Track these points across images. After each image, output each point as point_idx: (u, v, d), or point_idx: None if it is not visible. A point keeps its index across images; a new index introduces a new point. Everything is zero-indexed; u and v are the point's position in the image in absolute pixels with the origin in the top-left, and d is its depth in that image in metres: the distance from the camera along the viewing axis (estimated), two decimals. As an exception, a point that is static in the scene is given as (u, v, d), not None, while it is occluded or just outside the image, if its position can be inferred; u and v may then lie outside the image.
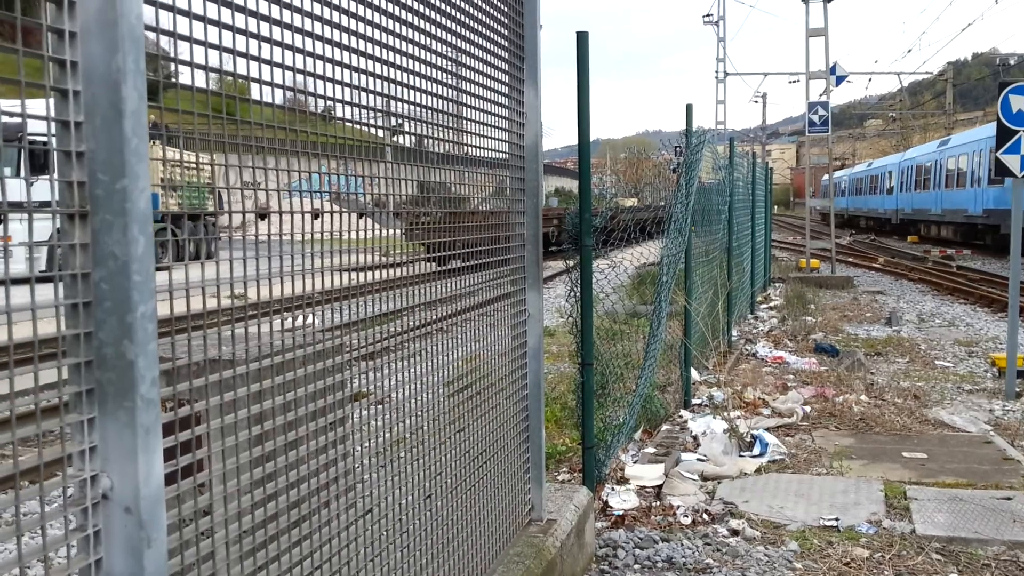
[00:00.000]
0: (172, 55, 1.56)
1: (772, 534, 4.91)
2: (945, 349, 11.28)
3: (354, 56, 2.19)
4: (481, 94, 3.26)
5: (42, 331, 1.30)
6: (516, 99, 3.65)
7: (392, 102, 2.45)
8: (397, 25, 2.45)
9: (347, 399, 2.24)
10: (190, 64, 1.60)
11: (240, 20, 1.74)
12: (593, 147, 4.71)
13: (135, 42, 1.37)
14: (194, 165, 1.97)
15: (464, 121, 3.12)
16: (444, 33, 2.84)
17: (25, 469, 1.27)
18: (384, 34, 2.36)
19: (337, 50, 2.11)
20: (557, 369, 9.22)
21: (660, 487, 5.64)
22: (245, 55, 1.75)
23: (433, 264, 2.90)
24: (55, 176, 1.33)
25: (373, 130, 2.39)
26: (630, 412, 6.05)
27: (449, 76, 2.90)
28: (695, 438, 6.72)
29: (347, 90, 2.18)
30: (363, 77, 2.24)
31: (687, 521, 5.11)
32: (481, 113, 3.27)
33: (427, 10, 2.67)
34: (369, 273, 2.44)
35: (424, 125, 2.74)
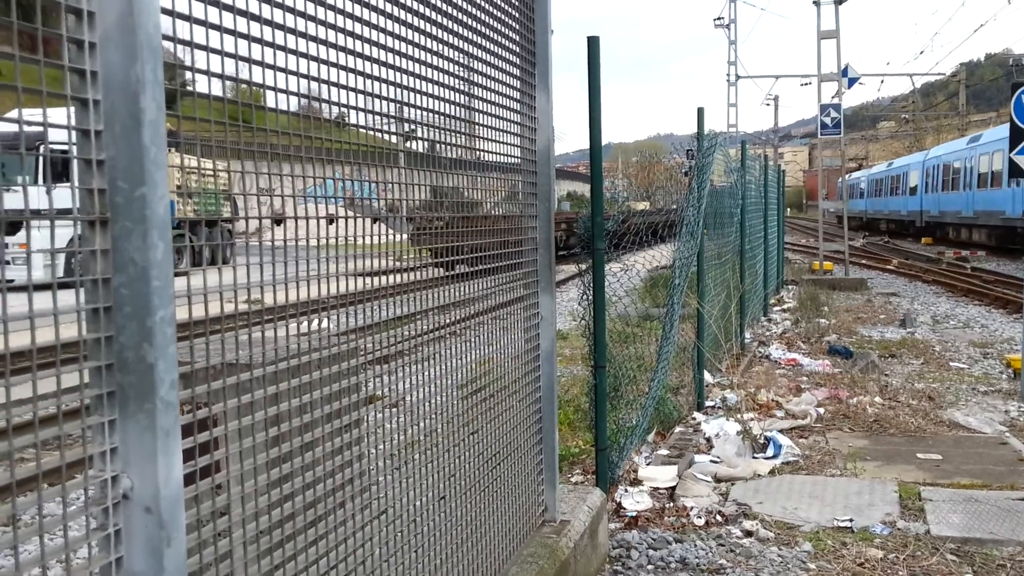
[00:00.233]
0: (188, 63, 1.59)
1: (786, 535, 4.91)
2: (960, 350, 11.23)
3: (368, 63, 2.22)
4: (493, 99, 3.28)
5: (63, 336, 1.33)
6: (528, 104, 3.67)
7: (406, 108, 2.48)
8: (410, 32, 2.48)
9: (362, 402, 2.27)
10: (206, 73, 1.63)
11: (254, 29, 1.77)
12: (605, 151, 4.73)
13: (153, 52, 1.40)
14: (210, 172, 2.00)
15: (477, 127, 3.14)
16: (457, 40, 2.86)
17: (47, 471, 1.30)
18: (397, 41, 2.39)
19: (351, 57, 2.14)
20: (570, 372, 9.24)
21: (673, 488, 5.65)
22: (260, 63, 1.78)
23: (450, 267, 2.93)
24: (75, 184, 1.36)
25: (387, 136, 2.42)
26: (643, 414, 6.06)
27: (462, 82, 2.93)
28: (708, 440, 6.72)
29: (360, 96, 2.21)
30: (377, 84, 2.26)
31: (700, 522, 5.11)
32: (493, 119, 3.29)
33: (439, 17, 2.69)
34: (383, 277, 2.47)
35: (437, 131, 2.77)
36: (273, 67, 1.82)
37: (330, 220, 2.05)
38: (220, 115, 1.67)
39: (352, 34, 2.15)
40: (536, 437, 3.88)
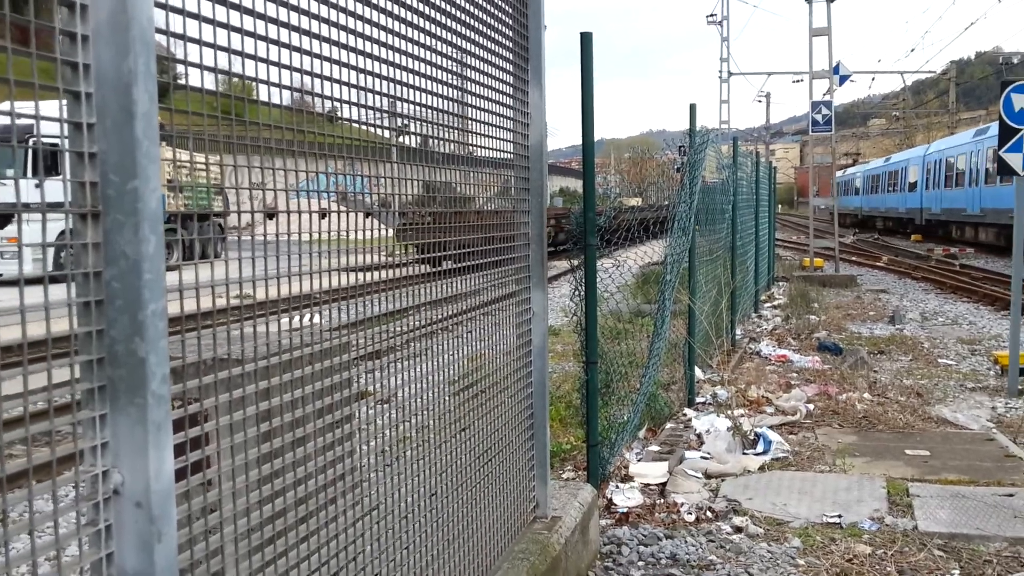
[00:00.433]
0: (179, 57, 1.58)
1: (775, 531, 4.93)
2: (948, 347, 11.28)
3: (360, 57, 2.21)
4: (486, 95, 3.28)
5: (53, 330, 1.32)
6: (521, 99, 3.67)
7: (398, 103, 2.47)
8: (403, 26, 2.47)
9: (353, 398, 2.26)
10: (198, 66, 1.62)
11: (247, 22, 1.76)
12: (597, 147, 4.73)
13: (146, 45, 1.39)
14: (201, 166, 1.99)
15: (469, 121, 3.13)
16: (449, 34, 2.86)
17: (38, 465, 1.30)
18: (390, 35, 2.38)
19: (343, 51, 2.13)
20: (562, 368, 9.24)
21: (664, 485, 5.66)
22: (253, 56, 1.77)
23: (439, 263, 2.92)
24: (67, 176, 1.35)
25: (379, 131, 2.41)
26: (634, 410, 6.07)
27: (455, 77, 2.92)
28: (699, 436, 6.74)
29: (352, 91, 2.20)
30: (369, 78, 2.26)
31: (691, 518, 5.13)
32: (486, 113, 3.29)
33: (432, 11, 2.69)
34: (375, 272, 2.47)
35: (429, 126, 2.76)
36: (265, 60, 1.81)
37: (323, 214, 2.04)
38: (211, 109, 1.67)
39: (344, 28, 2.14)
40: (528, 433, 3.88)
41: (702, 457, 6.22)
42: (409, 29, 2.53)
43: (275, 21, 1.84)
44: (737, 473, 5.94)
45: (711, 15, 46.81)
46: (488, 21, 3.25)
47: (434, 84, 2.74)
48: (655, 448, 6.36)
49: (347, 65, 2.17)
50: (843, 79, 23.90)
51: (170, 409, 1.42)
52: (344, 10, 2.14)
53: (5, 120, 1.30)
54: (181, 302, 1.54)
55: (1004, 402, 8.05)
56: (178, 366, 1.54)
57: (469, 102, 3.11)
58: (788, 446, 6.52)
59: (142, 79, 1.37)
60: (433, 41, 2.71)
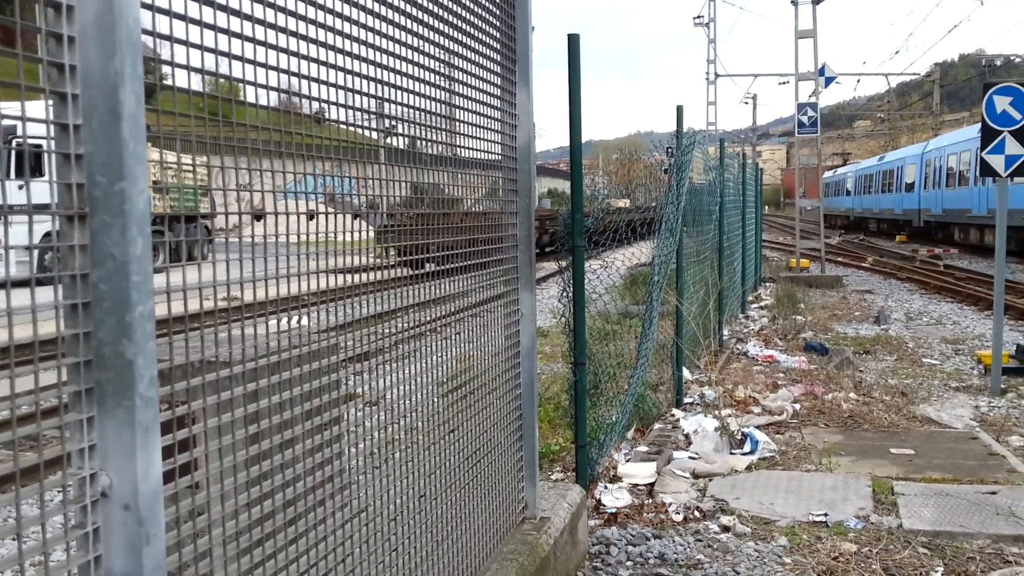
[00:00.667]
0: (167, 58, 1.58)
1: (762, 530, 4.95)
2: (932, 347, 11.35)
3: (347, 59, 2.21)
4: (474, 96, 3.28)
5: (40, 332, 1.32)
6: (508, 101, 3.67)
7: (385, 104, 2.47)
8: (390, 28, 2.47)
9: (341, 400, 2.26)
10: (186, 67, 1.62)
11: (234, 24, 1.76)
12: (585, 148, 4.74)
13: (132, 46, 1.39)
14: (187, 167, 1.99)
15: (457, 123, 3.14)
16: (438, 36, 2.86)
17: (25, 468, 1.29)
18: (377, 37, 2.38)
19: (330, 52, 2.13)
20: (551, 369, 9.25)
21: (652, 485, 5.68)
22: (240, 58, 1.77)
23: (427, 265, 2.92)
24: (53, 178, 1.35)
25: (367, 132, 2.41)
26: (622, 411, 6.08)
27: (442, 78, 2.92)
28: (687, 436, 6.76)
29: (339, 92, 2.20)
30: (357, 80, 2.26)
31: (679, 518, 5.14)
32: (474, 115, 3.29)
33: (421, 13, 2.69)
34: (364, 274, 2.47)
35: (418, 127, 2.76)
36: (252, 61, 1.81)
37: (311, 216, 2.04)
38: (198, 110, 1.66)
39: (332, 29, 2.14)
40: (516, 434, 3.89)
41: (690, 457, 6.24)
42: (397, 31, 2.53)
43: (261, 22, 1.83)
44: (725, 473, 5.96)
45: (698, 17, 46.94)
46: (476, 23, 3.26)
47: (423, 86, 2.74)
48: (643, 448, 6.38)
49: (335, 66, 2.17)
50: (828, 81, 24.02)
51: (158, 411, 1.42)
52: (332, 11, 2.14)
53: None
54: (169, 304, 1.54)
55: (987, 401, 8.11)
56: (165, 368, 1.53)
57: (458, 104, 3.12)
58: (775, 446, 6.55)
59: (129, 80, 1.37)
60: (422, 43, 2.72)
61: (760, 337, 11.98)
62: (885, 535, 4.78)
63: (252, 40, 1.81)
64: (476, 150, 3.36)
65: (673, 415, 7.46)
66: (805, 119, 22.29)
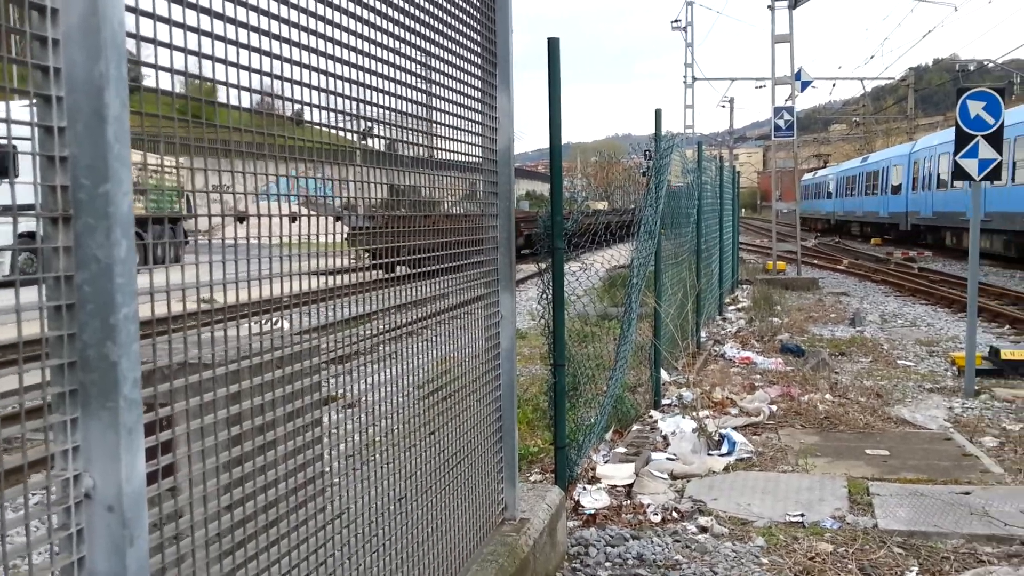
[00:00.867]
0: (146, 60, 1.58)
1: (740, 530, 4.99)
2: (907, 348, 11.48)
3: (329, 61, 2.22)
4: (455, 99, 3.29)
5: (23, 333, 1.32)
6: (489, 104, 3.69)
7: (367, 107, 2.48)
8: (373, 32, 2.48)
9: (320, 402, 2.27)
10: (169, 70, 1.62)
11: (217, 26, 1.76)
12: (564, 151, 4.76)
13: (117, 48, 1.39)
14: (167, 168, 1.99)
15: (438, 126, 3.15)
16: (420, 40, 2.87)
17: (8, 469, 1.29)
18: (359, 40, 2.39)
19: (312, 55, 2.14)
20: (528, 371, 9.27)
21: (631, 486, 5.71)
22: (223, 61, 1.77)
23: (405, 267, 2.93)
24: (37, 180, 1.35)
25: (349, 135, 2.42)
26: (601, 413, 6.11)
27: (425, 82, 2.94)
28: (665, 438, 6.80)
29: (321, 95, 2.21)
30: (339, 83, 2.27)
31: (657, 519, 5.18)
32: (455, 118, 3.31)
33: (403, 17, 2.70)
34: (343, 276, 2.47)
35: (400, 130, 2.77)
36: (236, 65, 1.81)
37: (293, 218, 2.05)
38: (174, 111, 1.66)
39: (313, 32, 2.15)
40: (496, 436, 3.90)
41: (668, 458, 6.28)
42: (379, 34, 2.54)
43: (239, 23, 1.83)
44: (702, 474, 6.00)
45: (676, 21, 47.17)
46: (458, 27, 3.27)
47: (406, 90, 2.75)
48: (622, 450, 6.41)
49: (316, 69, 2.18)
50: (805, 85, 24.24)
51: (142, 413, 1.42)
52: (314, 14, 2.15)
53: None
54: (152, 306, 1.54)
55: (961, 402, 8.21)
56: (147, 370, 1.54)
57: (439, 107, 3.13)
58: (752, 447, 6.60)
59: (114, 83, 1.38)
60: (404, 47, 2.73)
61: (737, 339, 12.07)
62: (861, 535, 4.84)
63: (236, 44, 1.81)
64: (457, 152, 3.38)
65: (651, 416, 7.50)
66: (782, 123, 22.47)
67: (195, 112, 1.71)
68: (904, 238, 34.91)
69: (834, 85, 62.00)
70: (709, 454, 6.47)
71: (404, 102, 2.79)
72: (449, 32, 3.19)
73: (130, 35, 1.45)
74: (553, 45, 4.52)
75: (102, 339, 1.38)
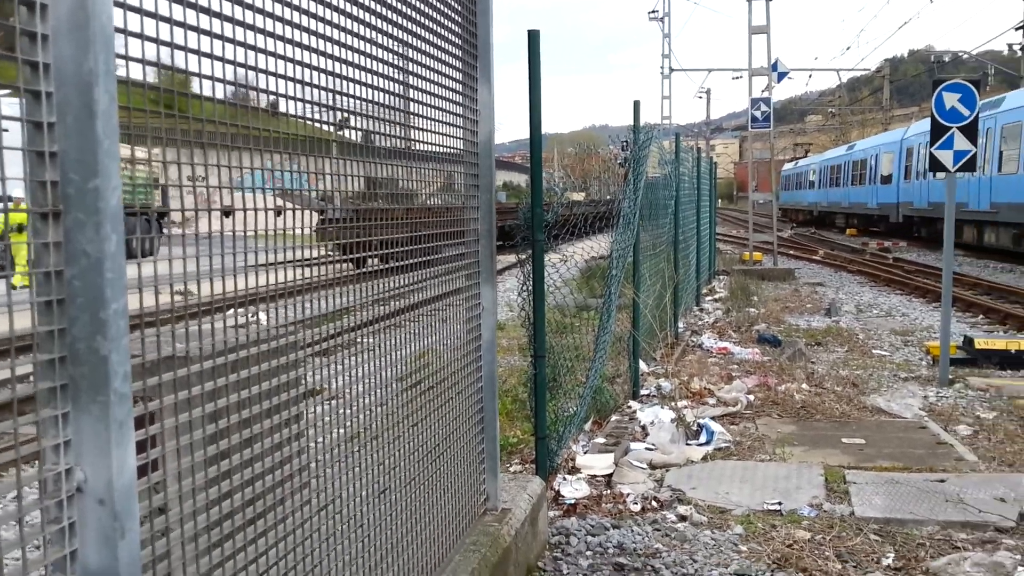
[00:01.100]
0: (119, 51, 1.57)
1: (718, 519, 5.05)
2: (882, 338, 11.62)
3: (316, 56, 2.23)
4: (437, 92, 3.30)
5: (10, 327, 1.32)
6: (470, 96, 3.70)
7: (350, 100, 2.49)
8: (354, 24, 2.49)
9: (302, 395, 2.28)
10: (149, 63, 1.63)
11: (190, 16, 1.76)
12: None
13: (106, 43, 1.40)
14: (145, 161, 1.98)
15: (420, 119, 3.16)
16: (403, 33, 2.88)
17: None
18: (340, 32, 2.40)
19: (300, 50, 2.14)
20: (507, 363, 9.30)
21: (610, 476, 5.76)
22: (196, 52, 1.77)
23: (387, 259, 2.94)
24: (27, 176, 1.35)
25: (329, 127, 2.43)
26: (581, 403, 6.15)
27: (407, 75, 2.94)
28: (643, 428, 6.85)
29: (300, 86, 2.22)
30: (324, 76, 2.27)
31: (637, 508, 5.22)
32: (436, 111, 3.31)
33: (385, 10, 2.71)
34: (325, 268, 2.48)
35: (383, 123, 2.78)
36: (211, 56, 1.81)
37: (278, 212, 2.06)
38: (152, 103, 1.66)
39: (299, 26, 2.15)
40: (478, 427, 3.93)
41: (647, 448, 6.33)
42: (363, 27, 2.54)
43: (219, 14, 1.83)
44: (681, 463, 6.06)
45: (653, 12, 47.30)
46: (440, 20, 3.28)
47: (387, 82, 2.76)
48: (601, 440, 6.46)
49: (292, 60, 2.18)
50: (781, 76, 24.39)
51: (132, 406, 1.43)
52: (297, 8, 2.15)
53: None
54: (140, 299, 1.54)
55: (935, 391, 8.33)
56: (137, 363, 1.54)
57: (421, 99, 3.14)
58: (730, 436, 6.67)
59: (103, 78, 1.38)
60: (388, 40, 2.74)
61: (714, 329, 12.16)
62: (838, 523, 4.91)
63: (210, 34, 1.81)
64: (439, 145, 3.39)
65: (630, 407, 7.56)
66: (759, 114, 22.62)
67: (174, 104, 1.71)
68: (895, 230, 33.20)
69: (810, 76, 62.65)
70: (688, 444, 6.53)
71: (388, 95, 2.80)
72: (430, 24, 3.20)
73: (121, 31, 1.46)
74: (533, 38, 4.53)
75: (92, 333, 1.38)
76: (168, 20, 1.64)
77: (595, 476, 5.76)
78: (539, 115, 4.60)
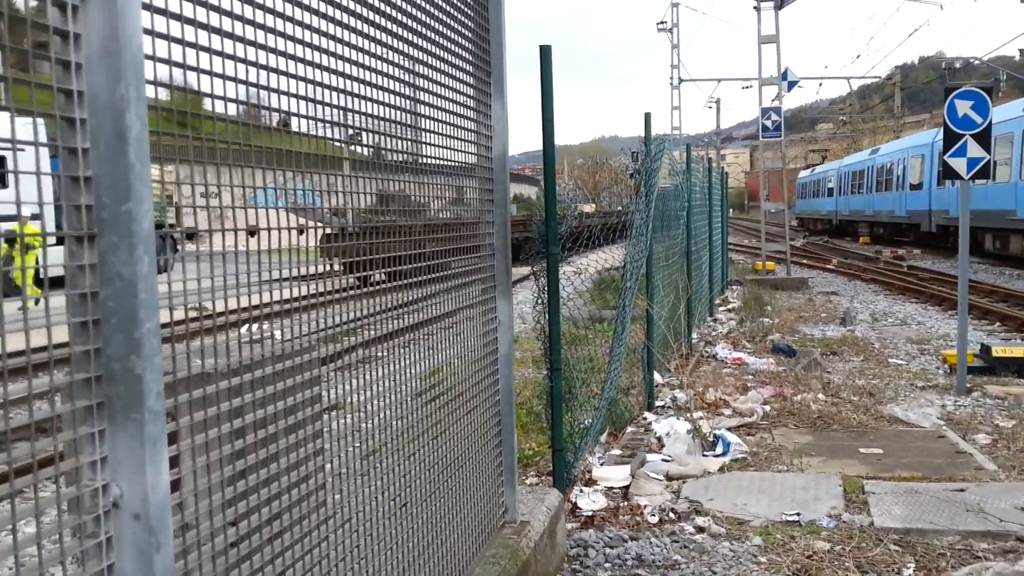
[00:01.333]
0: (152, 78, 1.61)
1: (737, 530, 5.05)
2: (898, 347, 11.57)
3: (341, 79, 2.27)
4: (454, 109, 3.35)
5: (40, 344, 1.35)
6: (484, 112, 3.74)
7: (376, 121, 2.53)
8: (378, 47, 2.54)
9: (324, 410, 2.30)
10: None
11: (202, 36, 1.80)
12: (554, 156, 4.81)
13: (136, 71, 1.44)
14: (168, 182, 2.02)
15: (438, 136, 3.20)
16: (423, 55, 2.94)
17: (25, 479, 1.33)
18: (367, 56, 2.45)
19: (317, 71, 2.18)
20: (521, 375, 9.31)
21: (627, 488, 5.76)
22: (209, 72, 1.81)
23: (404, 275, 2.97)
24: (64, 201, 1.39)
25: (358, 148, 2.47)
26: (596, 415, 6.16)
27: (426, 93, 3.00)
28: (659, 439, 6.85)
29: (331, 110, 2.26)
30: (349, 99, 2.32)
31: (654, 520, 5.23)
32: (453, 127, 3.36)
33: (407, 33, 2.76)
34: (352, 284, 2.51)
35: (406, 142, 2.83)
36: (223, 76, 1.84)
37: (301, 231, 2.09)
38: (166, 123, 1.69)
39: (325, 50, 2.19)
40: (496, 440, 3.95)
41: (663, 460, 6.33)
42: (385, 50, 2.59)
43: (230, 35, 1.87)
44: (698, 475, 6.06)
45: (661, 22, 47.39)
46: (455, 39, 3.33)
47: (411, 103, 2.81)
48: (617, 452, 6.46)
49: (303, 77, 2.23)
50: (791, 85, 24.42)
51: (165, 424, 1.47)
52: (321, 31, 2.20)
53: None
54: (171, 314, 1.58)
55: (953, 400, 8.30)
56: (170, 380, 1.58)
57: (439, 117, 3.18)
58: (746, 447, 6.66)
59: (134, 105, 1.42)
60: (410, 62, 2.79)
61: (728, 340, 12.14)
62: (857, 533, 4.90)
63: (222, 55, 1.84)
64: (455, 162, 3.43)
65: (645, 418, 7.56)
66: (769, 123, 22.60)
67: (200, 124, 1.75)
68: (926, 240, 30.81)
69: (821, 84, 62.45)
70: (704, 455, 6.53)
71: (409, 115, 2.84)
72: (449, 45, 3.25)
73: (150, 58, 1.50)
74: (545, 53, 4.57)
75: (126, 353, 1.42)
76: (193, 45, 1.68)
77: (612, 488, 5.77)
78: (552, 128, 4.63)
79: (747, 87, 48.75)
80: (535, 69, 4.62)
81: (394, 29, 2.73)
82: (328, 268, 2.47)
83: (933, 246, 29.79)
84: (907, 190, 32.59)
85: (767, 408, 7.88)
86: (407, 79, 2.87)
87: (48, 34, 1.37)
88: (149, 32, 1.53)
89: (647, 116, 8.18)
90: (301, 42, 2.11)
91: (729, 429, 7.06)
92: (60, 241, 1.42)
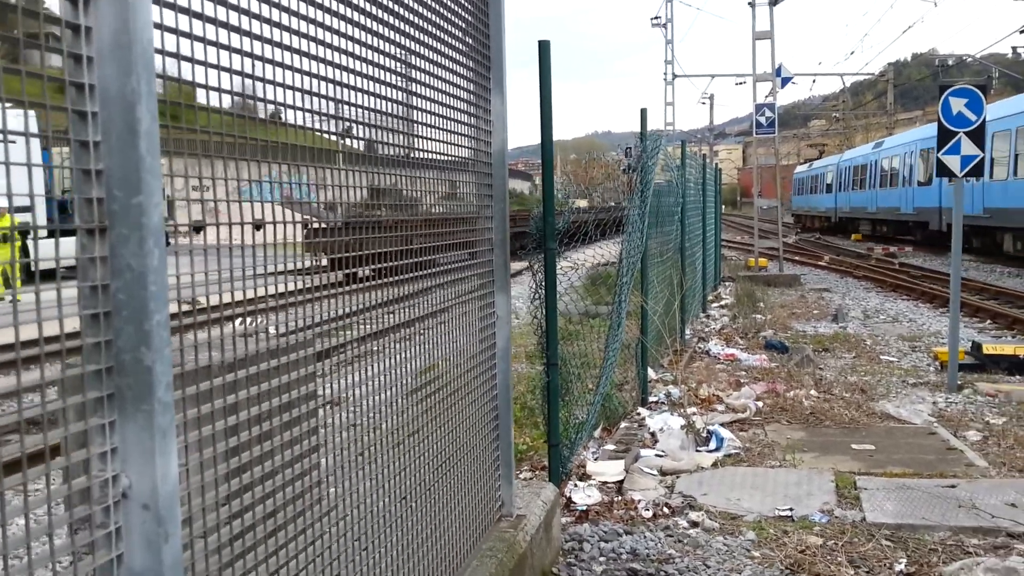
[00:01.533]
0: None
1: (730, 525, 5.08)
2: (890, 344, 11.63)
3: (342, 72, 2.28)
4: (455, 104, 3.36)
5: (52, 336, 1.36)
6: (484, 107, 3.75)
7: (378, 115, 2.54)
8: (378, 41, 2.55)
9: (321, 404, 2.31)
10: (185, 81, 1.67)
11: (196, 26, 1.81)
12: (547, 150, 4.81)
13: (147, 65, 1.44)
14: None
15: (439, 130, 3.21)
16: (424, 49, 2.95)
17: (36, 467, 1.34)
18: (368, 50, 2.46)
19: (321, 65, 2.19)
20: (514, 370, 9.30)
21: (621, 482, 5.79)
22: (217, 66, 1.82)
23: (408, 269, 2.99)
24: (75, 194, 1.40)
25: (355, 142, 2.48)
26: (591, 410, 6.19)
27: (427, 88, 3.00)
28: (653, 434, 6.88)
29: (330, 103, 2.27)
30: (351, 92, 2.32)
31: (648, 514, 5.25)
32: (455, 123, 3.37)
33: (411, 28, 2.77)
34: (353, 276, 2.52)
35: (408, 136, 2.84)
36: (230, 70, 1.85)
37: (305, 225, 2.10)
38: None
39: (323, 43, 2.20)
40: (493, 434, 3.97)
41: (657, 455, 6.36)
42: (385, 44, 2.60)
43: (228, 27, 1.88)
44: (691, 470, 6.08)
45: (655, 17, 47.41)
46: (456, 33, 3.34)
47: (414, 98, 2.82)
48: (611, 447, 6.49)
49: (324, 79, 2.23)
50: (785, 81, 24.47)
51: (175, 415, 1.48)
52: (331, 28, 2.20)
53: None
54: (180, 305, 1.59)
55: (944, 397, 8.35)
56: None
57: (441, 112, 3.19)
58: (739, 443, 6.70)
59: (145, 98, 1.43)
60: (410, 56, 2.80)
61: (721, 336, 12.18)
62: (849, 528, 4.94)
63: (229, 48, 1.85)
64: (456, 156, 3.44)
65: (639, 414, 7.59)
66: (763, 119, 22.62)
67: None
68: (935, 240, 28.83)
69: (814, 81, 62.55)
70: (697, 450, 6.56)
71: (411, 109, 2.85)
72: (450, 40, 3.26)
73: (160, 52, 1.51)
74: (544, 48, 4.58)
75: (136, 344, 1.43)
76: (202, 39, 1.69)
77: (606, 483, 5.80)
78: (550, 124, 4.64)
79: (741, 83, 48.81)
80: (529, 66, 4.64)
81: (403, 27, 2.73)
82: (328, 264, 2.48)
83: (940, 245, 27.95)
84: (915, 186, 30.87)
85: (760, 404, 7.92)
86: (411, 74, 2.88)
87: (60, 27, 1.37)
88: (159, 26, 1.54)
89: (643, 112, 8.19)
90: (306, 36, 2.12)
91: (722, 425, 7.09)
92: (51, 234, 1.42)
